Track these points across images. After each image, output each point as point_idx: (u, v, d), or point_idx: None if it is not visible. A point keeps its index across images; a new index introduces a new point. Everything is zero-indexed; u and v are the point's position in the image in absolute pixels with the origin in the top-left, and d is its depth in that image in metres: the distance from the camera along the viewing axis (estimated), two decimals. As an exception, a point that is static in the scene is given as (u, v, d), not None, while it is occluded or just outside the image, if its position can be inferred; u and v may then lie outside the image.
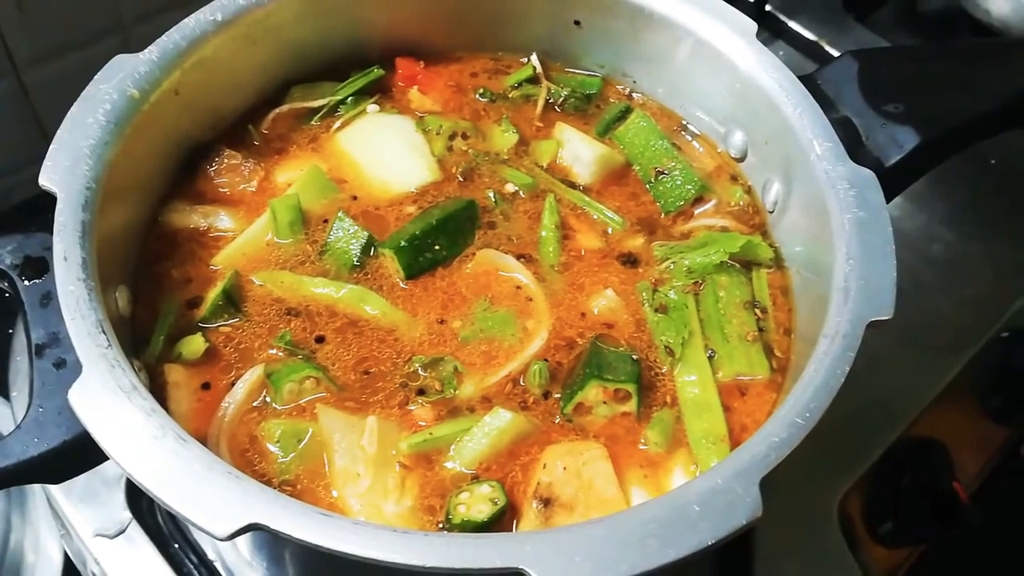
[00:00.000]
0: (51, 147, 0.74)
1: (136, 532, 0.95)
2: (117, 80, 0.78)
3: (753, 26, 0.87)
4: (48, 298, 0.72)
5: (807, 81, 0.86)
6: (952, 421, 1.16)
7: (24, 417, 0.67)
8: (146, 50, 0.80)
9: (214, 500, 0.59)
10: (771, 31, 1.44)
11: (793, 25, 1.43)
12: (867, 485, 1.07)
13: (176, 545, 0.96)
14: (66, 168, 0.72)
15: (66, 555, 1.05)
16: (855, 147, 0.82)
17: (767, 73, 0.84)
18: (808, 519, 1.02)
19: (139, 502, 0.96)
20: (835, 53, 1.39)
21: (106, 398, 0.63)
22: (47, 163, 0.73)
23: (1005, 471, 1.21)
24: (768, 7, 1.43)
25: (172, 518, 0.96)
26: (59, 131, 0.75)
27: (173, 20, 1.24)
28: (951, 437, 1.15)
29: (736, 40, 0.86)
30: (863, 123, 0.86)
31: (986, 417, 1.20)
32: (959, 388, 1.15)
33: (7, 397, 1.09)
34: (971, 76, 0.91)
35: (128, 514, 0.96)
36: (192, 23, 0.83)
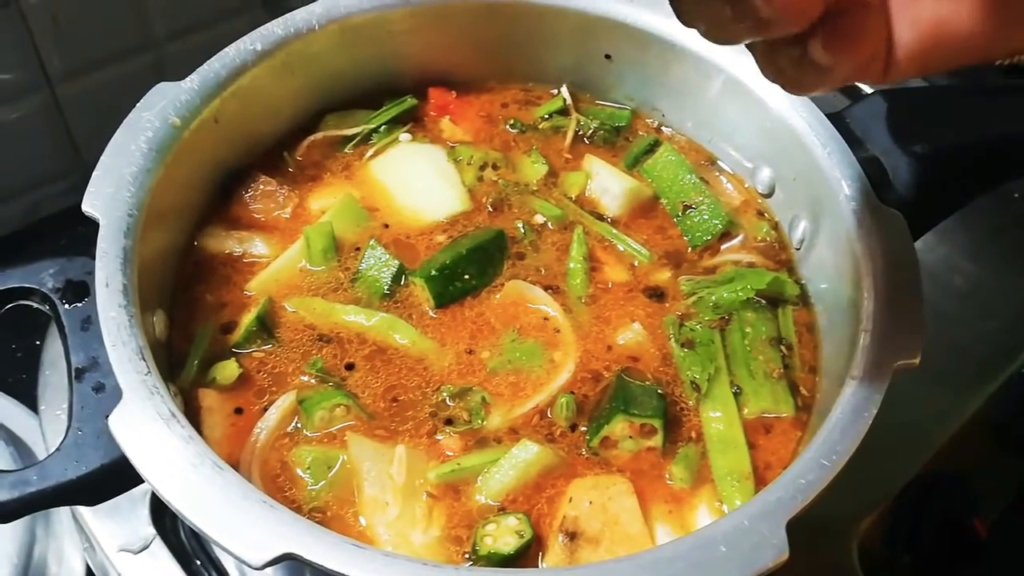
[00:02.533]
0: (95, 173, 0.75)
1: (160, 548, 0.96)
2: (159, 108, 0.80)
3: (783, 64, 0.88)
4: (88, 322, 0.73)
5: (836, 119, 0.87)
6: (973, 455, 1.16)
7: (63, 440, 0.68)
8: (187, 79, 0.82)
9: (250, 529, 0.60)
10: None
11: (818, 54, 1.44)
12: (887, 518, 1.07)
13: (198, 562, 0.97)
14: (109, 195, 0.74)
15: (89, 568, 1.07)
16: (883, 186, 0.83)
17: (797, 112, 0.85)
18: (827, 550, 1.02)
19: (163, 519, 0.97)
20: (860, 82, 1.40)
21: (145, 425, 0.64)
22: (90, 189, 0.74)
23: (1024, 505, 1.21)
24: (793, 36, 1.44)
25: (195, 535, 0.97)
26: (102, 158, 0.76)
27: (205, 38, 1.27)
28: (972, 472, 1.14)
29: (766, 78, 0.87)
30: (891, 162, 0.86)
31: (1007, 452, 1.20)
32: (980, 422, 1.15)
33: (35, 410, 1.11)
34: (999, 117, 0.92)
35: (152, 530, 0.97)
36: (232, 52, 0.84)
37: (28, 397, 1.14)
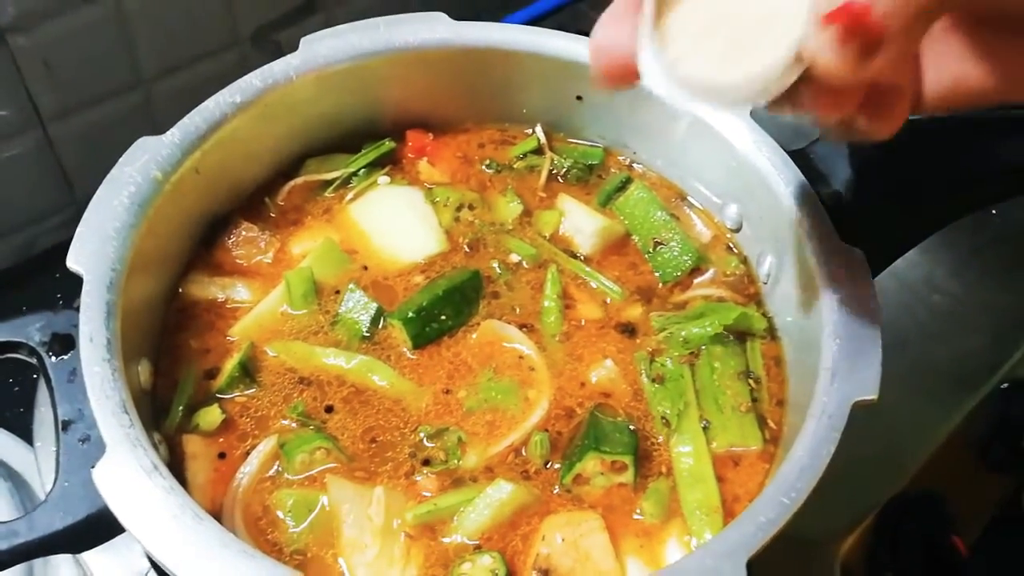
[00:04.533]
0: (79, 229, 0.78)
1: (154, 581, 0.99)
2: (141, 163, 0.82)
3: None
4: (74, 375, 0.75)
5: (799, 155, 0.89)
6: (951, 472, 1.18)
7: (51, 491, 0.71)
8: (168, 132, 0.85)
9: (229, 578, 0.63)
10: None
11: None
12: (868, 537, 1.09)
13: (191, 595, 0.99)
14: (93, 251, 0.77)
15: (86, 602, 1.09)
16: (845, 223, 0.85)
17: (760, 152, 0.88)
18: (810, 569, 1.04)
19: (157, 553, 1.00)
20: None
21: (128, 477, 0.67)
22: (75, 245, 0.77)
23: (1005, 522, 1.23)
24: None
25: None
26: (86, 213, 0.79)
27: (194, 75, 1.29)
28: (950, 488, 1.16)
29: (731, 119, 0.90)
30: (853, 198, 0.89)
31: (985, 468, 1.22)
32: (959, 439, 1.17)
33: (31, 443, 1.13)
34: (961, 152, 0.94)
35: (147, 563, 0.99)
36: (212, 105, 0.87)
37: (26, 431, 1.16)
